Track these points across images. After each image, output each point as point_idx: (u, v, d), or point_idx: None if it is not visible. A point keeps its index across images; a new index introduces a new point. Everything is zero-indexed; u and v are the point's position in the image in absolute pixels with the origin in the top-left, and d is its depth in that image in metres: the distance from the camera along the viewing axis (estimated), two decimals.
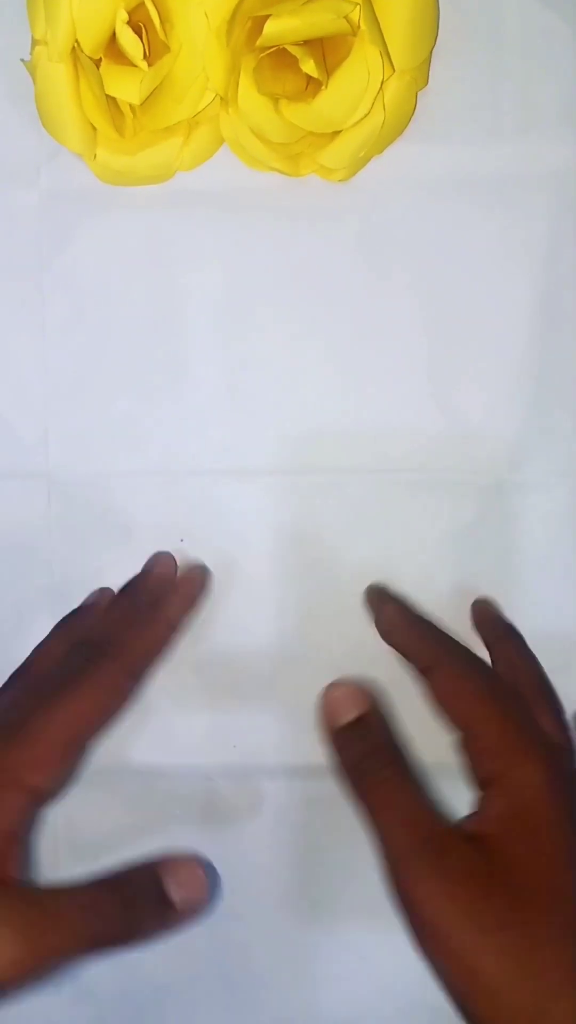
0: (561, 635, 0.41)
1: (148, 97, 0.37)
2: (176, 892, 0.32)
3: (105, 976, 0.42)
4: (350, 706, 0.33)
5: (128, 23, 0.36)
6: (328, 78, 0.37)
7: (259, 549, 0.41)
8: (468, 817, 0.32)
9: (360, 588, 0.41)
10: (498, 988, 0.28)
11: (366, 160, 0.40)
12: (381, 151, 0.40)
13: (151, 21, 0.37)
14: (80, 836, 0.42)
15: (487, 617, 0.41)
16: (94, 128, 0.39)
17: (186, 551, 0.42)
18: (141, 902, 0.32)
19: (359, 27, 0.37)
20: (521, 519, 0.41)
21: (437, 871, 0.29)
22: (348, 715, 0.33)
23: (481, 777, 0.33)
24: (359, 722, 0.33)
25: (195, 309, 0.41)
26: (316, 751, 0.40)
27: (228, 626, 0.42)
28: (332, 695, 0.33)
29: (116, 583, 0.41)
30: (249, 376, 0.41)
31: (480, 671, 0.36)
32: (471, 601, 0.41)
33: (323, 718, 0.33)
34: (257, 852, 0.41)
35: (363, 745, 0.33)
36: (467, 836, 0.30)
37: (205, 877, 0.32)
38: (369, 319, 0.41)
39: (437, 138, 0.40)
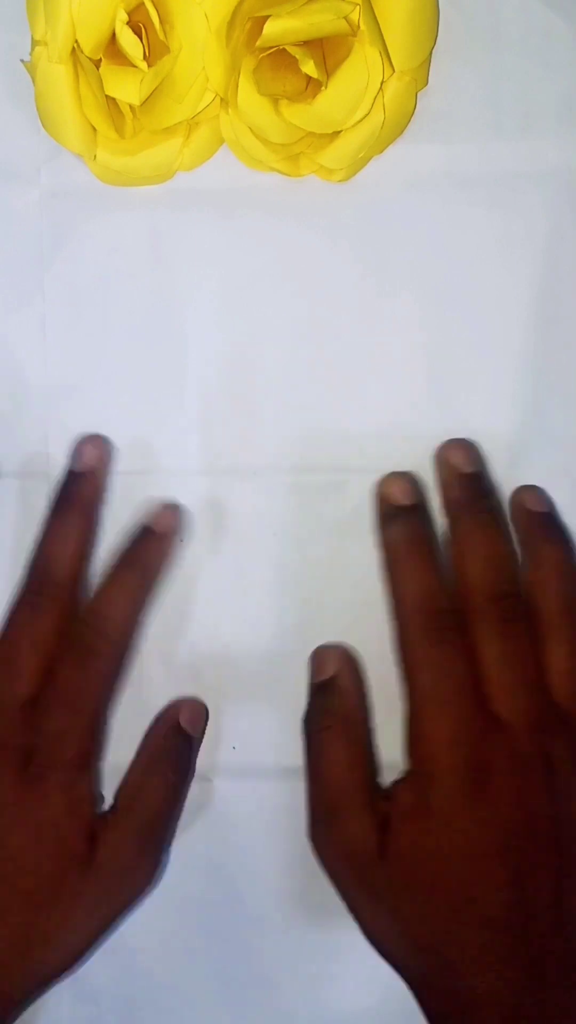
0: None
1: (148, 98, 0.37)
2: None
3: (105, 976, 0.42)
4: (326, 666, 0.35)
5: (128, 24, 0.36)
6: (328, 79, 0.37)
7: (259, 549, 0.41)
8: (388, 789, 0.34)
9: (360, 588, 0.41)
10: (393, 951, 0.32)
11: (366, 160, 0.40)
12: (381, 151, 0.40)
13: (151, 22, 0.37)
14: None
15: (532, 511, 0.36)
16: (94, 129, 0.39)
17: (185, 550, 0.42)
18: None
19: (359, 28, 0.37)
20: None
21: (338, 837, 0.33)
22: (323, 674, 0.35)
23: (408, 758, 0.34)
24: (329, 681, 0.35)
25: (195, 309, 0.41)
26: None
27: (228, 626, 0.42)
28: (315, 654, 0.36)
29: None
30: (249, 376, 0.41)
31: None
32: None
33: (309, 674, 0.36)
34: (257, 852, 0.41)
35: (322, 701, 0.35)
36: (377, 811, 0.33)
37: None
38: (369, 319, 0.41)
39: (437, 138, 0.40)
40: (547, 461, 0.41)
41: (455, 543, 0.35)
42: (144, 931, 0.41)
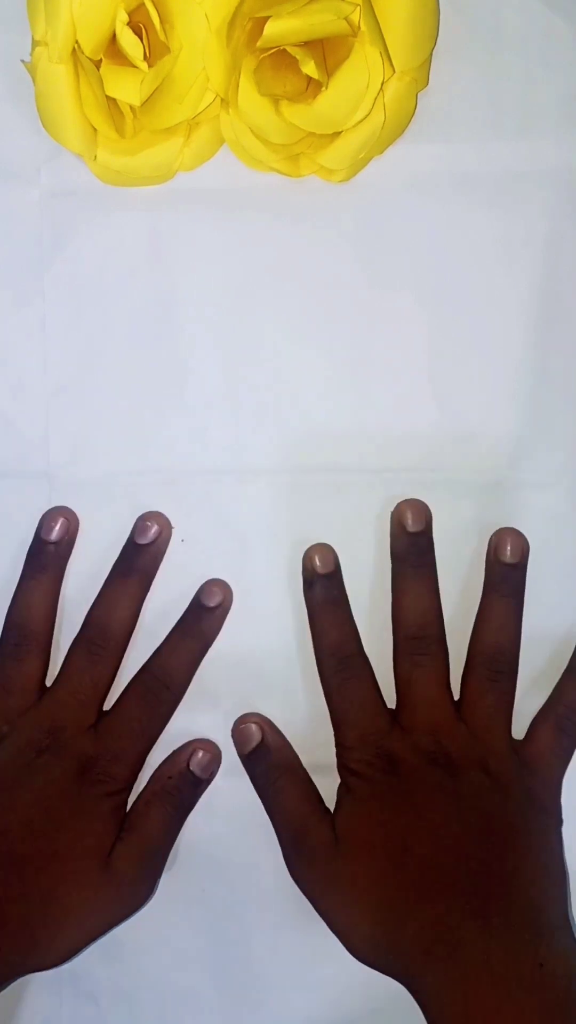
0: (560, 634, 0.41)
1: (148, 98, 0.37)
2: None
3: (105, 976, 0.42)
4: (251, 736, 0.41)
5: (128, 24, 0.36)
6: (328, 79, 0.37)
7: (259, 549, 0.42)
8: (335, 809, 0.40)
9: (360, 588, 0.41)
10: (373, 954, 0.37)
11: (366, 161, 0.40)
12: (381, 152, 0.40)
13: (151, 22, 0.37)
14: None
15: (500, 560, 0.41)
16: (94, 129, 0.39)
17: (186, 550, 0.42)
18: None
19: (359, 28, 0.37)
20: (521, 519, 0.41)
21: (302, 857, 0.39)
22: (250, 744, 0.40)
23: (338, 768, 0.40)
24: (259, 747, 0.40)
25: (195, 309, 0.41)
26: (316, 751, 0.41)
27: (228, 626, 0.42)
28: (236, 729, 0.41)
29: None
30: (249, 376, 0.41)
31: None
32: (470, 608, 0.41)
33: (236, 747, 0.41)
34: (257, 852, 0.41)
35: (261, 766, 0.40)
36: (327, 819, 0.39)
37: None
38: (369, 319, 0.41)
39: (437, 138, 0.40)
40: (547, 461, 0.41)
41: (394, 586, 0.41)
42: (144, 931, 0.41)
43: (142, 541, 0.41)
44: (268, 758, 0.41)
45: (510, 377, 0.41)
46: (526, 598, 0.41)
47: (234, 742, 0.41)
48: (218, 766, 0.41)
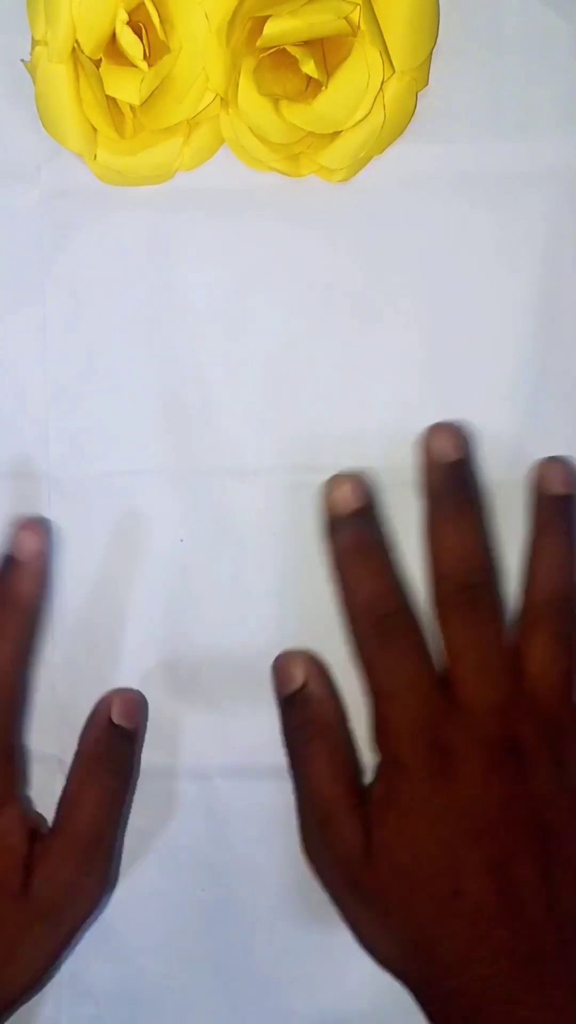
0: None
1: (148, 97, 0.37)
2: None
3: (105, 976, 0.42)
4: (292, 678, 0.34)
5: (128, 24, 0.36)
6: (328, 79, 0.37)
7: (259, 549, 0.41)
8: (369, 787, 0.34)
9: None
10: (388, 956, 0.32)
11: (366, 160, 0.40)
12: (381, 151, 0.40)
13: (151, 21, 0.37)
14: None
15: (546, 494, 0.35)
16: (94, 128, 0.39)
17: (185, 550, 0.42)
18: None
19: (359, 28, 0.37)
20: (521, 519, 0.41)
21: (325, 851, 0.33)
22: (293, 684, 0.35)
23: (376, 754, 0.34)
24: (300, 692, 0.34)
25: (195, 309, 0.41)
26: None
27: (227, 626, 0.42)
28: (277, 664, 0.35)
29: (116, 582, 0.42)
30: (249, 376, 0.41)
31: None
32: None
33: (274, 686, 0.35)
34: (257, 852, 0.41)
35: (299, 715, 0.34)
36: (362, 813, 0.33)
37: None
38: (369, 319, 0.41)
39: (437, 138, 0.40)
40: None
41: (429, 530, 0.35)
42: (144, 931, 0.41)
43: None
44: (305, 710, 0.35)
45: (510, 377, 0.41)
46: None
47: (273, 678, 0.36)
48: (145, 709, 0.38)
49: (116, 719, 0.36)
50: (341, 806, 0.34)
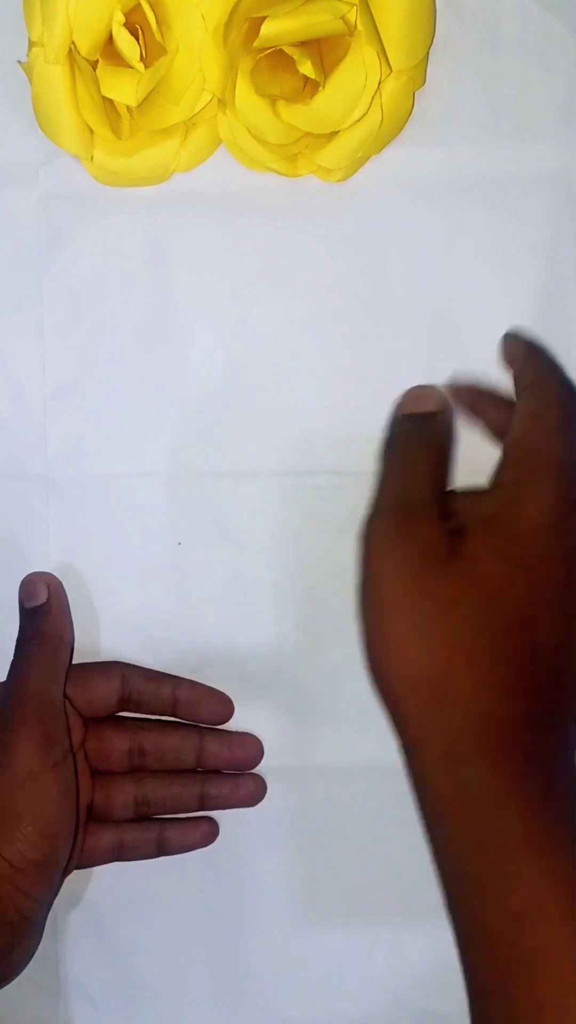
0: None
1: (145, 99, 0.37)
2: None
3: (104, 976, 0.42)
4: (428, 403, 0.32)
5: (124, 25, 0.36)
6: (325, 79, 0.37)
7: (258, 551, 0.41)
8: (467, 497, 0.30)
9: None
10: (407, 669, 0.28)
11: (364, 160, 0.40)
12: (379, 151, 0.40)
13: (148, 23, 0.37)
14: None
15: (523, 359, 0.34)
16: (91, 130, 0.39)
17: (184, 552, 0.42)
18: None
19: (356, 28, 0.37)
20: None
21: (406, 531, 0.29)
22: (423, 407, 0.32)
23: (503, 472, 0.31)
24: (426, 414, 0.32)
25: (193, 310, 0.41)
26: (316, 751, 0.41)
27: (228, 627, 0.42)
28: (415, 391, 0.33)
29: (114, 584, 0.42)
30: (247, 377, 0.41)
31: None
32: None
33: (399, 406, 0.32)
34: (257, 852, 0.41)
35: (412, 424, 0.32)
36: (452, 522, 0.29)
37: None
38: (367, 320, 0.41)
39: (435, 138, 0.40)
40: None
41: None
42: (143, 932, 0.41)
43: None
44: (424, 426, 0.32)
45: (508, 378, 0.41)
46: None
47: (400, 402, 0.33)
48: (61, 587, 0.40)
49: (26, 601, 0.39)
50: (430, 495, 0.30)
